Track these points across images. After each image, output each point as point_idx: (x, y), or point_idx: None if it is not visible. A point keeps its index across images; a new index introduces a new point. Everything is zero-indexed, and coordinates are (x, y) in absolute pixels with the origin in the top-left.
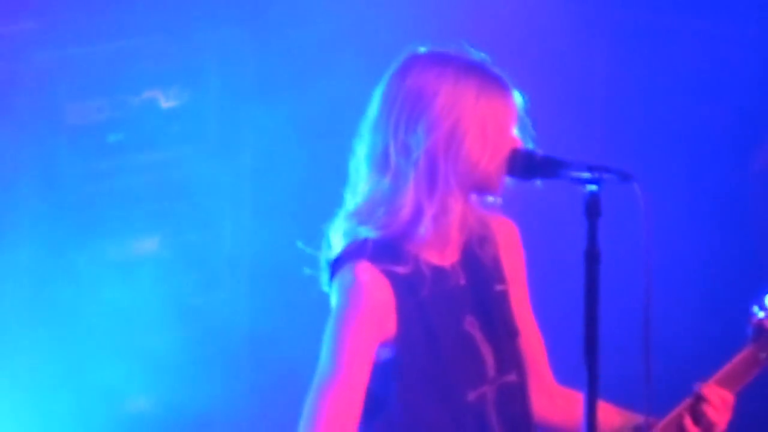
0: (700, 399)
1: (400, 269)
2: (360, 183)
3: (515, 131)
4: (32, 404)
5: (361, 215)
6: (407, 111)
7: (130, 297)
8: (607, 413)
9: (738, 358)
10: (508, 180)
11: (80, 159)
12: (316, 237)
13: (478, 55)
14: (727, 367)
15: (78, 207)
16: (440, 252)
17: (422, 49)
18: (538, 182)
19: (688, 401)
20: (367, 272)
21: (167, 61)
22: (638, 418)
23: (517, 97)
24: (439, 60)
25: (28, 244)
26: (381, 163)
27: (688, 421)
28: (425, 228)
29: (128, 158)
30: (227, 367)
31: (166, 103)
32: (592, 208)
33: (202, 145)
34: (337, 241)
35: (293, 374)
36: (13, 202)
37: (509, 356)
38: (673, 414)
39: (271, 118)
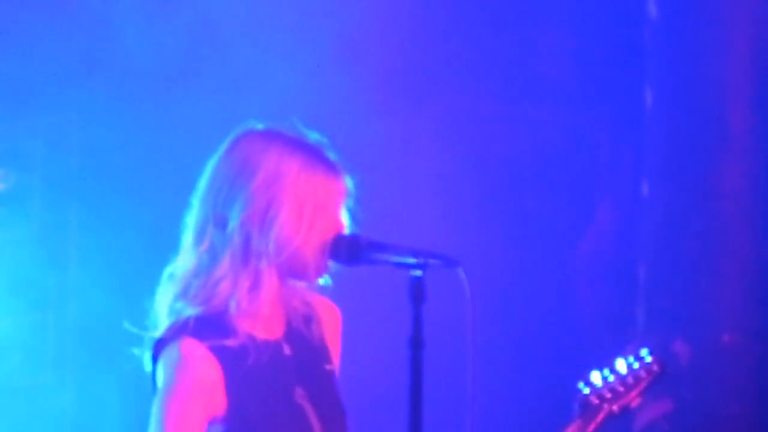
0: None
1: (229, 342)
2: (182, 255)
3: (341, 215)
4: None
5: (180, 289)
6: (228, 184)
7: None
8: None
9: None
10: (333, 265)
11: None
12: (144, 316)
13: (312, 135)
14: None
15: None
16: (265, 326)
17: (255, 125)
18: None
19: None
20: (193, 349)
21: None
22: None
23: (347, 181)
24: (267, 136)
25: None
26: (199, 235)
27: None
28: (237, 300)
29: None
30: None
31: None
32: (417, 293)
33: (26, 229)
34: (162, 317)
35: None
36: None
37: (338, 430)
38: None
39: (97, 201)
